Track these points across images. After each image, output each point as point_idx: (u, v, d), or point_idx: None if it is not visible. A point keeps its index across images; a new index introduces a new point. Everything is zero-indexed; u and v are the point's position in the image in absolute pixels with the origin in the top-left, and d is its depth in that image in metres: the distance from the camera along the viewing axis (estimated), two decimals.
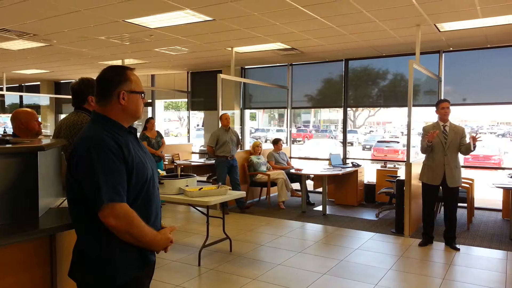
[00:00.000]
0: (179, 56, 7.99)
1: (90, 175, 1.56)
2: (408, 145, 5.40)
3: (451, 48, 7.12)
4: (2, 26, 5.69)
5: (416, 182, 5.52)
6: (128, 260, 1.65)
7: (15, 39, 6.51)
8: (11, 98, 13.95)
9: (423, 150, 4.92)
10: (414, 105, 5.52)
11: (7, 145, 2.06)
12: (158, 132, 7.34)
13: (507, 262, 4.42)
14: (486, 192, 8.05)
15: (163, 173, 5.18)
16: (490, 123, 31.27)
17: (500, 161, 13.86)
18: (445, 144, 4.75)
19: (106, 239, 1.60)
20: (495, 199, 7.16)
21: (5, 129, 12.86)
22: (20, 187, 1.75)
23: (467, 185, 5.97)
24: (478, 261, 4.46)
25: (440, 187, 4.84)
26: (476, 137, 4.59)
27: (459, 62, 7.25)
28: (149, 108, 11.04)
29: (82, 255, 1.66)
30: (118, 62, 8.43)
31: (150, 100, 10.98)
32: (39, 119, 3.11)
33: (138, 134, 1.96)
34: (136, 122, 1.84)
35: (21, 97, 13.55)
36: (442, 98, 7.15)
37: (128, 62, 8.55)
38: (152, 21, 5.46)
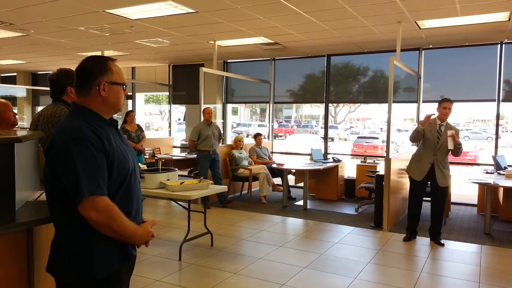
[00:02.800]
0: (160, 48, 7.88)
1: (70, 168, 1.52)
2: (388, 141, 5.48)
3: (431, 46, 7.24)
4: None
5: (395, 178, 5.62)
6: (108, 254, 1.62)
7: None
8: None
9: (412, 137, 4.92)
10: (393, 102, 5.59)
11: None
12: (138, 125, 7.24)
13: (481, 255, 4.55)
14: (462, 187, 8.26)
15: (143, 167, 5.12)
16: (467, 120, 32.07)
17: (475, 157, 14.22)
18: (436, 144, 4.75)
19: (85, 233, 1.57)
20: (471, 194, 7.34)
21: None
22: None
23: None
24: (454, 254, 4.58)
25: (429, 184, 4.87)
26: (452, 135, 4.61)
27: (438, 59, 7.38)
28: (129, 101, 10.87)
29: (60, 249, 1.63)
30: (97, 54, 8.25)
31: (131, 93, 10.80)
32: (15, 110, 3.02)
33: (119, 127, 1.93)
34: (116, 115, 1.81)
35: None
36: (422, 95, 7.29)
37: (108, 53, 8.39)
38: (133, 12, 5.36)
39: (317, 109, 30.58)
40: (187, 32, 6.51)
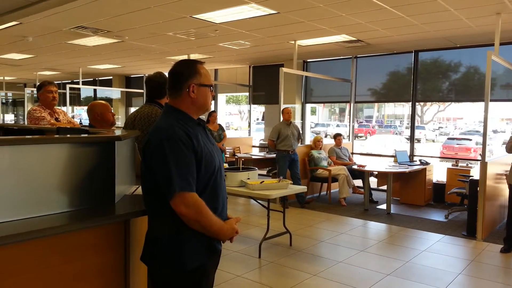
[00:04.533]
0: (242, 50, 8.07)
1: (163, 165, 1.62)
2: (484, 143, 5.01)
3: None
4: (79, 23, 6.10)
5: (491, 183, 5.14)
6: (196, 248, 1.69)
7: (90, 36, 6.95)
8: (86, 91, 14.94)
9: (509, 149, 4.51)
10: (490, 100, 5.10)
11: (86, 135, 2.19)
12: (220, 125, 7.49)
13: None
14: None
15: (225, 165, 5.28)
16: None
17: None
18: None
19: (176, 227, 1.65)
20: None
21: (81, 120, 13.81)
22: (98, 174, 1.85)
23: None
24: None
25: None
26: None
27: None
28: (212, 102, 11.29)
29: (154, 240, 1.74)
30: (184, 57, 8.70)
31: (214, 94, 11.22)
32: (113, 111, 3.28)
33: None
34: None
35: (95, 90, 14.48)
36: None
37: (193, 57, 8.79)
38: (218, 16, 5.55)
39: (401, 108, 29.06)
40: (268, 33, 6.58)
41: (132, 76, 13.41)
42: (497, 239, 4.87)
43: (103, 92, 14.47)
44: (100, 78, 14.32)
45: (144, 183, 1.74)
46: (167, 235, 1.69)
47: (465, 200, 5.73)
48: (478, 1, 4.68)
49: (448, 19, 5.47)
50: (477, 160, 6.00)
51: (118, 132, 2.25)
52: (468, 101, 8.06)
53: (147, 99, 2.77)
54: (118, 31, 6.61)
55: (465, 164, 7.11)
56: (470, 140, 15.67)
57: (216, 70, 11.23)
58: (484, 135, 5.01)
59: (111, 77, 13.70)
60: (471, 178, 5.45)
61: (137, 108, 2.90)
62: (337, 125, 24.89)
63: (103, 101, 3.28)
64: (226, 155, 8.06)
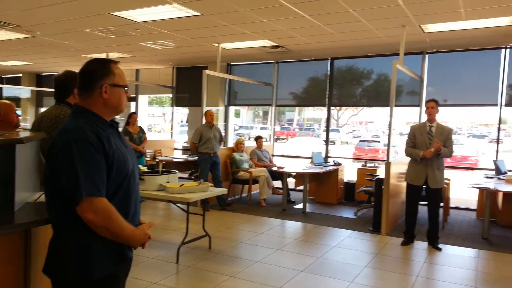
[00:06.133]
0: (165, 50, 7.94)
1: (69, 168, 1.54)
2: (388, 145, 5.50)
3: (435, 50, 7.24)
4: None
5: (394, 181, 5.64)
6: (105, 256, 1.64)
7: None
8: None
9: (408, 156, 4.96)
10: (396, 105, 5.59)
11: None
12: (140, 127, 7.28)
13: (479, 260, 4.56)
14: (462, 192, 8.26)
15: (144, 169, 5.15)
16: (470, 124, 31.98)
17: (476, 162, 14.15)
18: (429, 145, 4.77)
19: (83, 234, 1.59)
20: (471, 199, 7.33)
21: None
22: None
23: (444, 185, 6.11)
24: (451, 259, 4.59)
25: (424, 188, 4.91)
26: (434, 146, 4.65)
27: (442, 63, 7.38)
28: (133, 103, 10.93)
29: (58, 250, 1.65)
30: (102, 55, 8.32)
31: (134, 95, 10.86)
32: (18, 112, 3.06)
33: (120, 129, 1.94)
34: (118, 116, 1.84)
35: (0, 89, 13.25)
36: (424, 98, 7.29)
37: (112, 55, 8.45)
38: (139, 14, 5.41)
39: (320, 112, 30.59)
40: (192, 35, 6.57)
41: (43, 74, 12.48)
42: (399, 233, 5.35)
43: (11, 91, 13.29)
44: (7, 76, 13.13)
45: (48, 188, 1.65)
46: (73, 242, 1.61)
47: (372, 197, 6.21)
48: (386, 13, 5.10)
49: (360, 29, 5.90)
50: (384, 160, 6.56)
51: (20, 135, 2.11)
52: (378, 106, 8.73)
53: (55, 99, 2.63)
54: (28, 26, 6.14)
55: (373, 164, 7.71)
56: (379, 142, 17.03)
57: (137, 70, 10.88)
58: (389, 137, 5.50)
59: (20, 75, 12.62)
60: (377, 177, 5.93)
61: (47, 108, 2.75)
62: (261, 128, 25.45)
63: (6, 101, 3.04)
64: (146, 158, 7.85)
